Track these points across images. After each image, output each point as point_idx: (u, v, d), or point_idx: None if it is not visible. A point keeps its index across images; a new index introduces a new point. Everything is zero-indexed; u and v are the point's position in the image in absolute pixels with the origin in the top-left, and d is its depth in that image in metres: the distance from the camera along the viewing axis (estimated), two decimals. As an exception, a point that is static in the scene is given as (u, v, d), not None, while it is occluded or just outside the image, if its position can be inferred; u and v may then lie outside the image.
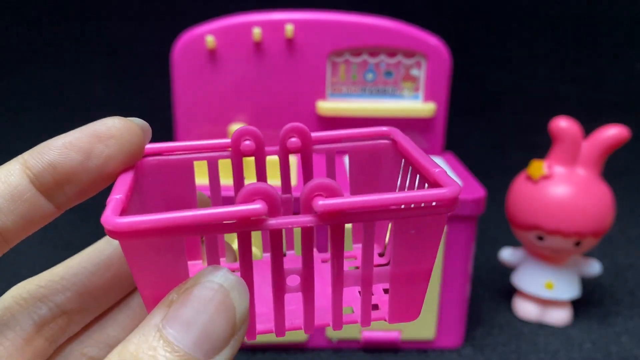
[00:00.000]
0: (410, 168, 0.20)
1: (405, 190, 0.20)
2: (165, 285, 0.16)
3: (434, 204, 0.16)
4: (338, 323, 0.18)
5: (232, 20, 0.52)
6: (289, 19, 0.51)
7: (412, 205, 0.16)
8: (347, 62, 0.53)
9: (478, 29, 0.81)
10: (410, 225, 0.17)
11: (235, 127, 0.53)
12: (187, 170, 0.20)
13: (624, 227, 0.72)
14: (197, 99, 0.53)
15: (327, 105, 0.53)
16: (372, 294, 0.19)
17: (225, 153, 0.21)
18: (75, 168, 0.17)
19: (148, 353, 0.14)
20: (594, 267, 0.52)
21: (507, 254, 0.54)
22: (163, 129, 0.73)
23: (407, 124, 0.54)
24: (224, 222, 0.15)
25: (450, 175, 0.17)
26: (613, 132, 0.48)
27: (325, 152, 0.22)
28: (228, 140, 0.21)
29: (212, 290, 0.15)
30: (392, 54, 0.53)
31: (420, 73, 0.53)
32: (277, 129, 0.55)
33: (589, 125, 0.51)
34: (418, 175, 0.19)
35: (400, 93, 0.54)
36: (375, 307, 0.19)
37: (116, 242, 0.20)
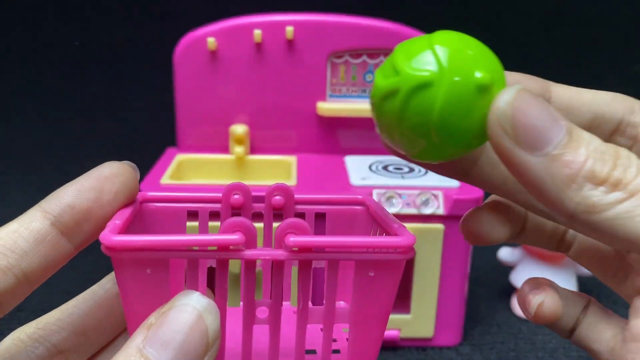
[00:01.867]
0: (379, 230, 0.22)
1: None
2: (148, 306, 0.18)
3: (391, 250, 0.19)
4: (300, 358, 0.20)
5: (233, 22, 0.52)
6: (289, 21, 0.52)
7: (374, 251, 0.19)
8: (347, 63, 0.53)
9: (476, 31, 0.81)
10: (369, 268, 0.19)
11: (236, 128, 0.53)
12: (180, 217, 0.23)
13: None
14: (198, 100, 0.54)
15: (327, 106, 0.54)
16: (334, 339, 0.21)
17: (216, 205, 0.23)
18: (91, 206, 0.19)
19: None
20: (591, 266, 0.52)
21: (505, 253, 0.55)
22: (164, 130, 0.73)
23: (406, 125, 0.55)
24: (205, 248, 0.18)
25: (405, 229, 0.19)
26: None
27: (306, 211, 0.24)
28: (219, 195, 0.23)
29: (186, 313, 0.17)
30: (391, 55, 0.53)
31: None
32: (277, 130, 0.56)
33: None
34: (384, 233, 0.21)
35: (399, 94, 0.54)
36: (337, 352, 0.21)
37: (108, 285, 0.23)
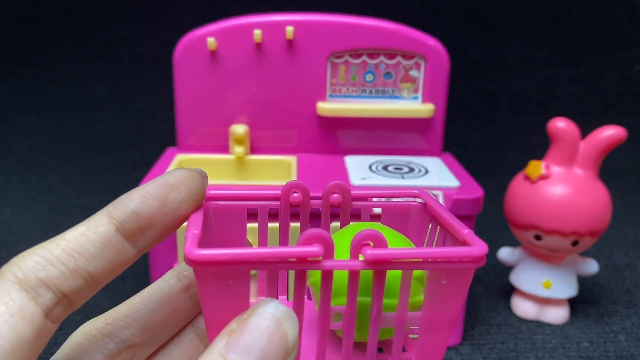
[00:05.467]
0: (439, 228, 0.23)
1: (434, 247, 0.23)
2: (228, 313, 0.18)
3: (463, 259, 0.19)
4: (372, 359, 0.21)
5: (233, 22, 0.52)
6: (289, 21, 0.52)
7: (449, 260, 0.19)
8: (347, 64, 0.53)
9: (476, 31, 0.82)
10: (442, 276, 0.19)
11: (236, 128, 0.53)
12: (240, 215, 0.24)
13: (621, 227, 0.73)
14: (198, 100, 0.54)
15: (327, 106, 0.54)
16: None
17: (275, 203, 0.24)
18: (155, 214, 0.20)
19: None
20: (592, 266, 0.53)
21: (505, 253, 0.55)
22: (164, 130, 0.74)
23: (406, 125, 0.55)
24: (286, 260, 0.18)
25: (474, 234, 0.20)
26: (610, 133, 0.49)
27: (362, 207, 0.25)
28: (278, 193, 0.24)
29: (266, 320, 0.18)
30: (391, 55, 0.53)
31: (419, 74, 0.54)
32: (277, 130, 0.56)
33: (587, 125, 0.51)
34: (446, 235, 0.22)
35: (399, 94, 0.54)
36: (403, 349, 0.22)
37: (172, 282, 0.23)
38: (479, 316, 0.53)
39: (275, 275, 0.19)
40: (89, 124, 0.82)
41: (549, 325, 0.52)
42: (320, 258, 0.18)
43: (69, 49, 0.81)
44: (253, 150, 0.55)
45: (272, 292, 0.19)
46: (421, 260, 0.19)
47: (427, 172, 0.50)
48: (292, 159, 0.54)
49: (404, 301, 0.20)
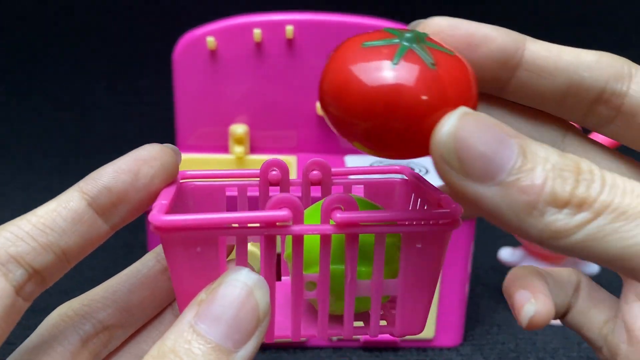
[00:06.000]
0: (419, 200, 0.22)
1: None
2: (197, 282, 0.18)
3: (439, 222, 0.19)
4: (349, 330, 0.20)
5: (233, 21, 0.52)
6: (289, 20, 0.52)
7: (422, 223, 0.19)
8: (347, 63, 0.53)
9: (476, 30, 0.81)
10: (417, 240, 0.19)
11: (236, 127, 0.53)
12: (219, 195, 0.23)
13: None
14: (198, 100, 0.53)
15: (327, 106, 0.53)
16: (381, 310, 0.21)
17: (254, 181, 0.24)
18: (127, 188, 0.19)
19: (184, 346, 0.16)
20: (592, 267, 0.52)
21: (506, 254, 0.54)
22: (163, 130, 0.73)
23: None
24: (253, 225, 0.18)
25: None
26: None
27: (343, 185, 0.24)
28: (257, 171, 0.23)
29: (236, 288, 0.17)
30: (391, 55, 0.53)
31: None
32: (277, 130, 0.55)
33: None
34: (426, 205, 0.21)
35: (399, 94, 0.54)
36: (383, 322, 0.21)
37: (151, 263, 0.23)
38: (479, 317, 0.53)
39: (245, 244, 0.18)
40: (89, 123, 0.82)
41: (550, 325, 0.52)
42: (291, 223, 0.18)
43: (67, 48, 0.81)
44: (253, 150, 0.55)
45: (243, 262, 0.19)
46: (394, 222, 0.18)
47: (427, 171, 0.50)
48: (292, 159, 0.54)
49: (378, 267, 0.19)
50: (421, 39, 0.17)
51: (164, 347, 0.16)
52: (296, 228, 0.18)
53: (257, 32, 0.51)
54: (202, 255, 0.18)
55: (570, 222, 0.15)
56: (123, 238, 0.50)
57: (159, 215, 0.17)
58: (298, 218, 0.18)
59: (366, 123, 0.16)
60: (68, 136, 0.82)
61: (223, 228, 0.18)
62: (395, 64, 0.16)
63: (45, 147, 0.82)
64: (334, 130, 0.18)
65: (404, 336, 0.21)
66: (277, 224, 0.18)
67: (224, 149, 0.55)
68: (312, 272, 0.19)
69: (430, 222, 0.19)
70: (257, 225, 0.18)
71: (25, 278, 0.18)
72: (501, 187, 0.15)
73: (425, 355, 0.48)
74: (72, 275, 0.24)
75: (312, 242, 0.19)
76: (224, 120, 0.54)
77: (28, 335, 0.21)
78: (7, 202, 0.73)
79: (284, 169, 0.23)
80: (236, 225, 0.18)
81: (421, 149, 0.16)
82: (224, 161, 0.54)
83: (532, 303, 0.22)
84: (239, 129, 0.53)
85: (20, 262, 0.18)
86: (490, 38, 0.18)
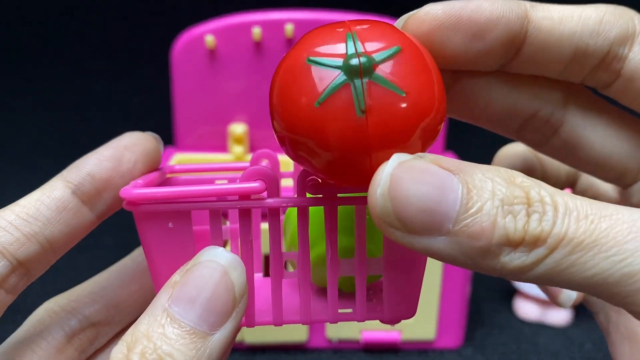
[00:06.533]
0: None
1: None
2: (172, 263, 0.17)
3: None
4: (334, 314, 0.19)
5: (232, 19, 0.52)
6: (289, 19, 0.51)
7: None
8: (347, 62, 0.53)
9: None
10: None
11: (235, 127, 0.53)
12: None
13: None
14: (196, 99, 0.53)
15: (327, 105, 0.53)
16: (372, 294, 0.20)
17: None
18: (111, 175, 0.19)
19: (157, 331, 0.16)
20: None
21: (507, 254, 0.54)
22: (162, 129, 0.73)
23: (407, 124, 0.54)
24: (226, 198, 0.17)
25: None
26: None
27: None
28: (247, 164, 0.23)
29: (210, 269, 0.17)
30: (392, 53, 0.53)
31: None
32: (277, 129, 0.55)
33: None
34: None
35: (400, 93, 0.54)
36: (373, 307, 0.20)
37: (140, 258, 0.23)
38: (480, 318, 0.53)
39: (219, 220, 0.18)
40: (87, 123, 0.82)
41: (552, 327, 0.52)
42: (265, 196, 0.17)
43: (66, 48, 0.80)
44: (252, 149, 0.54)
45: (218, 241, 0.18)
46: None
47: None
48: (288, 159, 0.53)
49: (360, 243, 0.18)
50: (369, 71, 0.15)
51: (137, 332, 0.16)
52: (271, 201, 0.17)
53: (256, 30, 0.51)
54: (175, 231, 0.17)
55: (526, 260, 0.14)
56: (123, 237, 0.50)
57: (130, 189, 0.17)
58: (273, 191, 0.17)
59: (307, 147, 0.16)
60: (66, 136, 0.82)
61: (194, 201, 0.17)
62: (318, 104, 0.15)
63: (43, 146, 0.82)
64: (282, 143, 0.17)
65: (395, 322, 0.20)
66: (252, 197, 0.17)
67: (223, 148, 0.54)
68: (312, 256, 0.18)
69: None
70: (230, 198, 0.17)
71: (9, 270, 0.17)
72: (450, 237, 0.14)
73: (426, 357, 0.47)
74: (73, 276, 0.23)
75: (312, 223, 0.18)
76: (223, 120, 0.54)
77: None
78: (6, 203, 0.73)
79: (274, 160, 0.23)
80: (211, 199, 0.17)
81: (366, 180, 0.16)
82: (223, 161, 0.53)
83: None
84: (238, 128, 0.52)
85: (4, 253, 0.17)
86: (493, 21, 0.17)
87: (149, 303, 0.23)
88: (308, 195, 0.18)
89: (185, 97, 0.53)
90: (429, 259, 0.17)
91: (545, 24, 0.18)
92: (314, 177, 0.17)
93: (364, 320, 0.19)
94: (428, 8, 0.18)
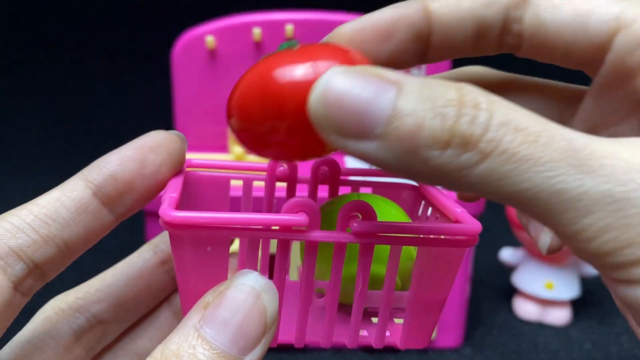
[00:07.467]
0: (430, 208, 0.21)
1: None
2: (204, 283, 0.17)
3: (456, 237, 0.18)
4: (354, 339, 0.20)
5: (232, 20, 0.52)
6: (289, 19, 0.51)
7: (442, 237, 0.18)
8: (347, 62, 0.53)
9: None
10: (433, 254, 0.18)
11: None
12: (224, 185, 0.23)
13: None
14: (197, 99, 0.53)
15: (327, 105, 0.53)
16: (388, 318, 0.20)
17: (261, 175, 0.23)
18: (133, 177, 0.19)
19: (188, 351, 0.16)
20: (593, 269, 0.52)
21: (507, 254, 0.54)
22: (163, 129, 0.73)
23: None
24: (269, 227, 0.17)
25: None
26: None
27: (351, 184, 0.23)
28: (264, 164, 0.23)
29: (244, 293, 0.16)
30: (392, 54, 0.53)
31: (420, 72, 0.53)
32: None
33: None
34: (438, 216, 0.21)
35: (400, 93, 0.54)
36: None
37: (147, 255, 0.22)
38: (480, 318, 0.53)
39: (256, 247, 0.18)
40: (87, 123, 0.82)
41: (551, 326, 0.52)
42: (305, 228, 0.17)
43: (67, 48, 0.80)
44: (252, 149, 0.55)
45: (252, 266, 0.18)
46: (412, 235, 0.18)
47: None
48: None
49: (391, 278, 0.18)
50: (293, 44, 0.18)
51: (168, 350, 0.16)
52: (313, 234, 0.17)
53: (256, 31, 0.51)
54: (212, 255, 0.17)
55: (456, 163, 0.13)
56: (121, 237, 0.50)
57: (169, 210, 0.16)
58: (314, 223, 0.17)
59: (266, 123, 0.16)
60: (66, 136, 0.82)
61: (237, 229, 0.17)
62: (266, 55, 0.17)
63: (43, 146, 0.82)
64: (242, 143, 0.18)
65: (407, 347, 0.20)
66: (293, 228, 0.17)
67: (224, 148, 0.54)
68: (321, 278, 0.19)
69: (449, 237, 0.18)
70: (272, 228, 0.17)
71: (25, 273, 0.17)
72: (380, 141, 0.14)
73: (426, 357, 0.48)
74: (78, 272, 0.23)
75: (323, 246, 0.19)
76: (223, 120, 0.54)
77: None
78: (5, 203, 0.73)
79: (292, 166, 0.23)
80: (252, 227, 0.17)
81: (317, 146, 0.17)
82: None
83: (546, 232, 0.21)
84: (238, 128, 0.53)
85: (21, 255, 0.17)
86: (395, 22, 0.18)
87: (156, 301, 0.22)
88: (348, 230, 0.18)
89: (185, 97, 0.53)
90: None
91: (444, 11, 0.18)
92: (355, 213, 0.17)
93: (381, 347, 0.20)
94: (338, 29, 0.19)
